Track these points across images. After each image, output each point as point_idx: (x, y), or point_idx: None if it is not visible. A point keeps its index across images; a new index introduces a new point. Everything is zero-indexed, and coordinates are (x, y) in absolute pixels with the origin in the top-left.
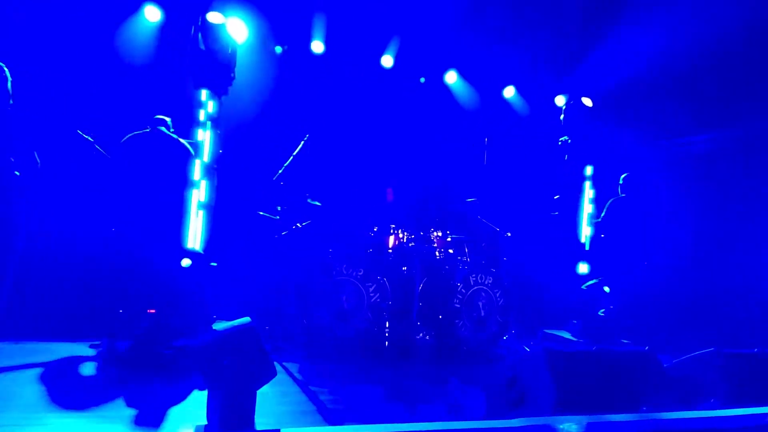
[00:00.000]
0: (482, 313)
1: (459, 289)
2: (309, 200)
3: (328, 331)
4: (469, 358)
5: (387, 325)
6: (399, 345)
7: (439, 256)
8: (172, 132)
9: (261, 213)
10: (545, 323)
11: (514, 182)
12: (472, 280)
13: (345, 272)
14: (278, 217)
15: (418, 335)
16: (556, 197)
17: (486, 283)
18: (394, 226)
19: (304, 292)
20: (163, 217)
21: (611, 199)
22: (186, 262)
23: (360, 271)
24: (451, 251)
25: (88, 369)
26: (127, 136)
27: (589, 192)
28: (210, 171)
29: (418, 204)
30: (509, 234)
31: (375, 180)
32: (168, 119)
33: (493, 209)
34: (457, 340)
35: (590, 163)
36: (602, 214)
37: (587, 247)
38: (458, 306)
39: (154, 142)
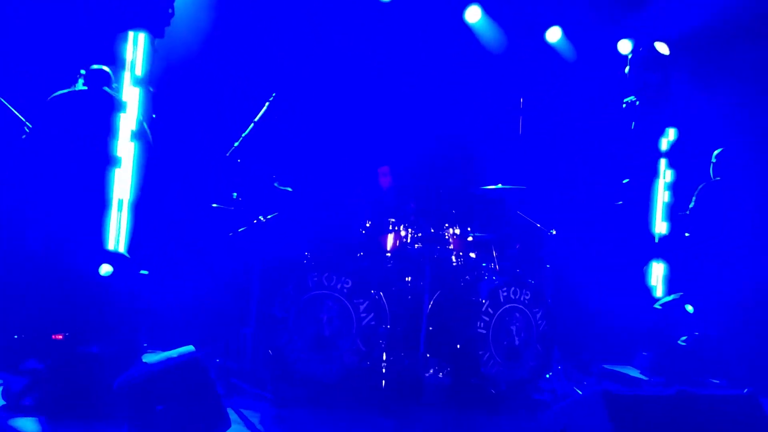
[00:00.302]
0: (516, 342)
1: (484, 307)
2: (276, 185)
3: (302, 365)
4: (499, 404)
5: (384, 357)
6: (401, 385)
7: (457, 262)
8: (116, 89)
9: (213, 204)
10: (604, 355)
11: (560, 160)
12: (502, 295)
13: (326, 284)
14: (233, 208)
15: (428, 372)
16: (624, 181)
17: (522, 299)
18: (393, 220)
19: (269, 312)
20: (81, 206)
21: (701, 185)
22: (106, 270)
23: (347, 283)
24: (473, 255)
25: None
26: (54, 95)
27: (666, 174)
28: (140, 143)
29: (428, 190)
30: (554, 232)
31: (368, 157)
32: (108, 70)
33: (531, 198)
34: (481, 378)
35: (668, 134)
36: (691, 205)
37: (663, 251)
38: (483, 332)
39: (89, 102)
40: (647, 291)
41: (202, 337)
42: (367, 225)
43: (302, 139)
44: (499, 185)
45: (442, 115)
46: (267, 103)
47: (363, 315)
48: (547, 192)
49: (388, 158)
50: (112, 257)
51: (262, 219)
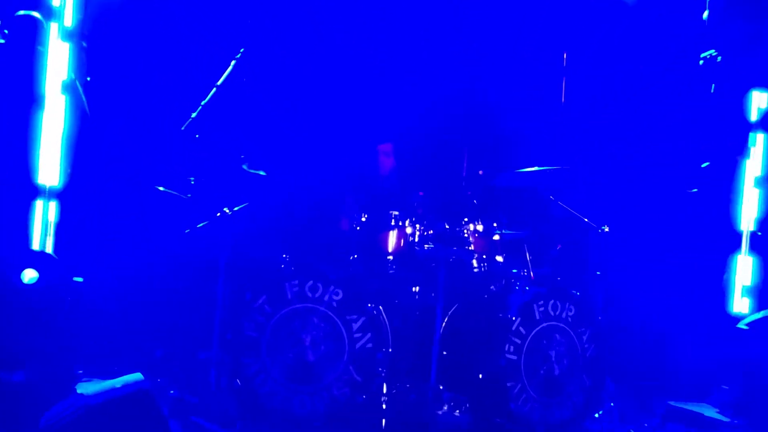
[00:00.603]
0: (556, 371)
1: (515, 326)
2: (245, 167)
3: (279, 400)
4: None
5: (385, 390)
6: (406, 426)
7: (479, 267)
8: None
9: (160, 188)
10: (671, 389)
11: (615, 135)
12: (538, 311)
13: (310, 295)
14: (190, 196)
15: (441, 409)
16: (704, 165)
17: (563, 316)
18: (397, 213)
19: (236, 332)
20: None
21: None
22: (30, 276)
23: (337, 294)
24: (500, 259)
25: None
26: None
27: (756, 151)
28: (71, 114)
29: (442, 175)
30: (606, 229)
31: (364, 132)
32: (39, 17)
33: (576, 184)
34: (510, 418)
35: (759, 100)
36: None
37: (751, 255)
38: (513, 358)
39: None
40: (728, 306)
41: (152, 362)
42: (363, 220)
43: (278, 108)
44: (535, 168)
45: (459, 76)
46: (233, 62)
47: (357, 335)
48: (598, 177)
49: (390, 133)
50: (37, 259)
51: (227, 211)
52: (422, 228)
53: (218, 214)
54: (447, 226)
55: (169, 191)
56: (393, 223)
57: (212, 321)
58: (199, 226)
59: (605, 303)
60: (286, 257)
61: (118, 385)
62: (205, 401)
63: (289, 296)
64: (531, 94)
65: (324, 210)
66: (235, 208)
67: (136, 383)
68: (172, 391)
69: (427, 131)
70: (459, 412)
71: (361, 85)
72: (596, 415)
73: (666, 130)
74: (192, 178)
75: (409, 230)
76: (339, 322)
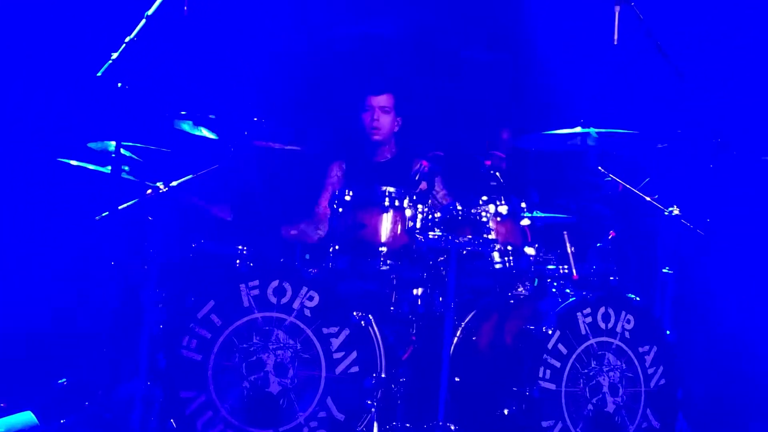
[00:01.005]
0: (610, 405)
1: (552, 343)
2: (186, 126)
3: None
4: None
5: (376, 430)
6: None
7: (503, 262)
8: None
9: (67, 161)
10: None
11: (687, 87)
12: (583, 322)
13: (273, 302)
14: (110, 169)
15: None
16: None
17: (619, 330)
18: (392, 191)
19: (172, 353)
20: None
21: None
22: None
23: (311, 300)
24: (531, 251)
25: None
26: None
27: None
28: None
29: (452, 139)
30: (676, 211)
31: (344, 77)
32: None
33: (636, 151)
34: None
35: None
36: None
37: None
38: (550, 387)
39: None
40: None
41: (52, 394)
42: (347, 198)
43: (231, 45)
44: (579, 128)
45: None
46: None
47: (338, 356)
48: (664, 142)
49: (380, 81)
50: None
51: (161, 187)
52: (426, 210)
53: (148, 192)
54: (459, 208)
55: (80, 164)
56: (387, 202)
57: (138, 338)
58: (121, 207)
59: (676, 312)
60: (242, 250)
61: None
62: None
63: (246, 302)
64: (573, 31)
65: (294, 184)
66: (172, 183)
67: (30, 427)
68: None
69: (433, 82)
70: None
71: (342, 15)
72: None
73: (755, 78)
74: (112, 144)
75: (408, 212)
76: (313, 338)
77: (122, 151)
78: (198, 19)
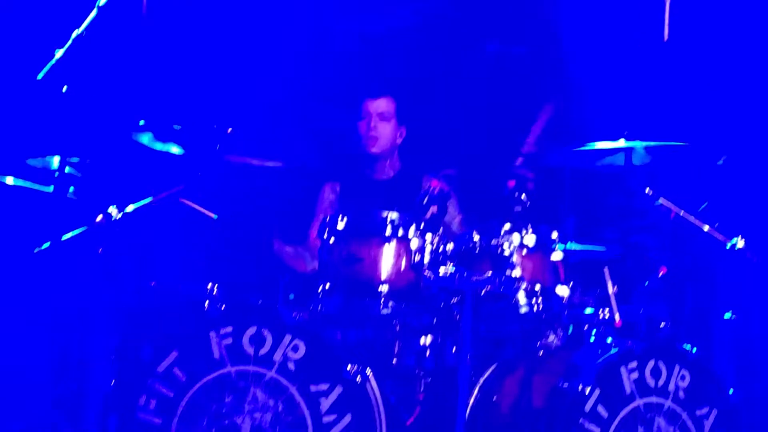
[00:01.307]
0: None
1: (589, 405)
2: (144, 137)
3: None
4: None
5: None
6: None
7: (530, 305)
8: None
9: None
10: None
11: (752, 92)
12: (628, 379)
13: (250, 353)
14: (52, 189)
15: None
16: None
17: (672, 389)
18: (396, 216)
19: (123, 413)
20: None
21: None
22: None
23: (296, 350)
24: (563, 292)
25: None
26: None
27: None
28: None
29: (469, 155)
30: (741, 243)
31: (336, 80)
32: None
33: (691, 170)
34: None
35: None
36: None
37: None
38: None
39: None
40: None
41: None
42: (339, 226)
43: (200, 41)
44: (622, 141)
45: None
46: None
47: (329, 419)
48: (726, 158)
49: (380, 83)
50: None
51: (114, 213)
52: (437, 241)
53: (98, 218)
54: (476, 238)
55: (17, 182)
56: (389, 232)
57: (84, 397)
58: (64, 238)
59: (741, 367)
60: (211, 288)
61: None
62: None
63: (217, 354)
64: (615, 32)
65: (277, 208)
66: (128, 209)
67: None
68: None
69: (444, 77)
70: None
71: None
72: None
73: None
74: (56, 159)
75: (414, 244)
76: (299, 397)
77: (67, 168)
78: (160, 9)
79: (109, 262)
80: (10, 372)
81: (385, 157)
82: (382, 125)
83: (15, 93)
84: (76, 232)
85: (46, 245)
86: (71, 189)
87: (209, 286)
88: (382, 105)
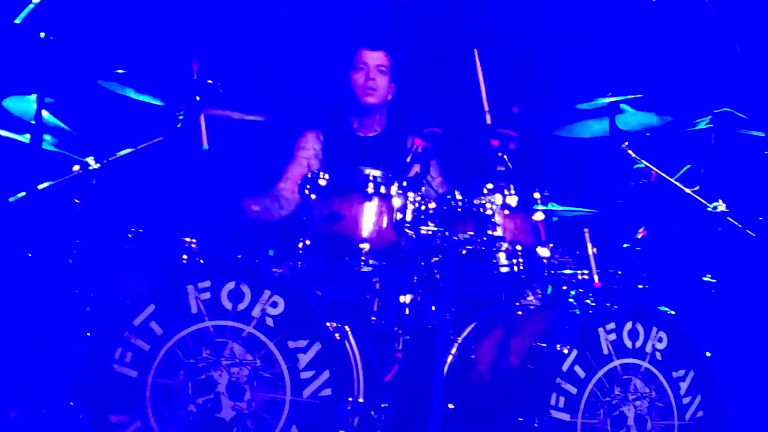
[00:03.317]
0: None
1: (567, 364)
2: (124, 89)
3: None
4: None
5: None
6: None
7: (510, 265)
8: None
9: None
10: None
11: (741, 59)
12: (606, 340)
13: (228, 308)
14: (28, 138)
15: None
16: None
17: (649, 350)
18: (378, 174)
19: (99, 367)
20: None
21: None
22: None
23: (275, 306)
24: (544, 252)
25: None
26: None
27: None
28: None
29: (451, 113)
30: (722, 207)
31: (324, 31)
32: None
33: (675, 135)
34: None
35: None
36: None
37: None
38: (564, 417)
39: None
40: None
41: None
42: (321, 182)
43: None
44: (609, 98)
45: None
46: None
47: (307, 376)
48: (708, 121)
49: (371, 35)
50: None
51: (91, 163)
52: (419, 199)
53: (75, 168)
54: (458, 197)
55: None
56: (371, 189)
57: (60, 349)
58: (40, 187)
59: (719, 330)
60: (190, 242)
61: None
62: None
63: (195, 308)
64: None
65: (257, 161)
66: (106, 159)
67: None
68: None
69: (429, 33)
70: None
71: None
72: None
73: None
74: (32, 109)
75: (396, 202)
76: (277, 353)
77: (45, 117)
78: None
79: (85, 213)
80: None
81: (377, 111)
82: (380, 77)
83: None
84: (54, 182)
85: (21, 195)
86: (48, 138)
87: (187, 240)
88: (379, 57)
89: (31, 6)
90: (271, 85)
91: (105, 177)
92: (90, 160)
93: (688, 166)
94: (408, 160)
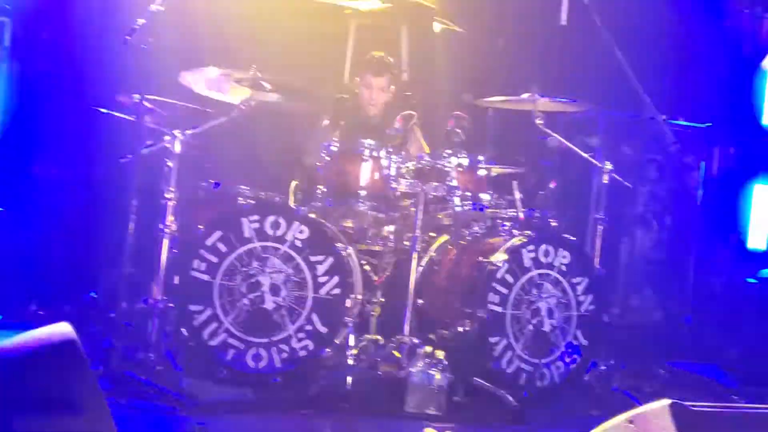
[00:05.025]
0: (547, 326)
1: (500, 273)
2: (200, 87)
3: (231, 353)
4: (518, 418)
5: (353, 343)
6: (374, 385)
7: (463, 206)
8: None
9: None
10: (674, 349)
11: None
12: (527, 256)
13: (271, 233)
14: (134, 118)
15: (415, 366)
16: None
17: (557, 264)
18: (372, 143)
19: (185, 273)
20: None
21: None
22: None
23: (301, 233)
24: (485, 197)
25: None
26: None
27: None
28: None
29: (424, 99)
30: (609, 166)
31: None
32: None
33: (577, 117)
34: (492, 379)
35: None
36: None
37: None
38: (498, 309)
39: None
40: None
41: (85, 307)
42: (333, 148)
43: None
44: (527, 94)
45: None
46: None
47: (323, 280)
48: (596, 108)
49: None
50: None
51: (177, 135)
52: (399, 160)
53: (166, 139)
54: (427, 159)
55: (110, 112)
56: (367, 153)
57: (156, 260)
58: (142, 152)
59: (607, 252)
60: (245, 189)
61: (37, 337)
62: (144, 353)
63: (248, 233)
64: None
65: (289, 133)
66: (187, 132)
67: (61, 333)
68: (105, 343)
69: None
70: (435, 371)
71: None
72: (586, 377)
73: None
74: (137, 97)
75: (384, 163)
76: (303, 264)
77: (144, 103)
78: None
79: (173, 170)
80: (109, 242)
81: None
82: (381, 95)
83: (112, 49)
84: (152, 148)
85: (129, 157)
86: (147, 118)
87: (243, 187)
88: (382, 81)
89: (137, 26)
90: (307, 83)
91: (187, 144)
92: (177, 132)
93: (597, 138)
94: (393, 133)
